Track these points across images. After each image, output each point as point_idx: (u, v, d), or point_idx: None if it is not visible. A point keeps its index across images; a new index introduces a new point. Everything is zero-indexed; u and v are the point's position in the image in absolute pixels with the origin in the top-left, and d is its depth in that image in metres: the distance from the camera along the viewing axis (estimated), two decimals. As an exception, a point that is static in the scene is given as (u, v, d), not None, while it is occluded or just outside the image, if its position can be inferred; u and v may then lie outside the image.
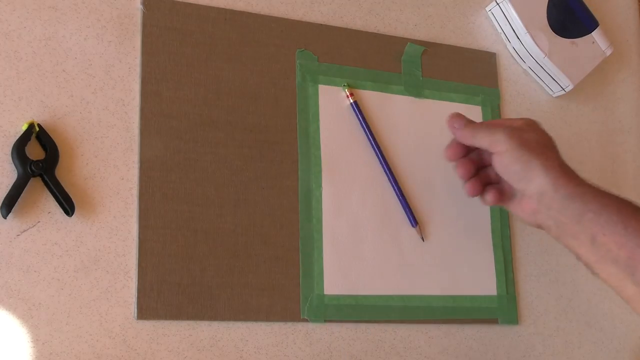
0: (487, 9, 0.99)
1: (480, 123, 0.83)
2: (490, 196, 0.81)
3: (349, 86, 0.87)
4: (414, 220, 0.86)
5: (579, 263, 0.75)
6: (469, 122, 0.82)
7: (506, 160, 0.77)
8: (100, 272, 0.73)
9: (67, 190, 0.72)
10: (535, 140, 0.78)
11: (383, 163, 0.87)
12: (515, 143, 0.76)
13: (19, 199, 0.71)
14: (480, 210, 0.91)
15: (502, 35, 0.99)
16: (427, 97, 0.93)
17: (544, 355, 0.92)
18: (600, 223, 0.72)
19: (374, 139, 0.87)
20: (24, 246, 0.71)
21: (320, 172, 0.85)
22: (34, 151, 0.73)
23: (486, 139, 0.78)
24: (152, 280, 0.75)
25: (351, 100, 0.87)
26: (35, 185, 0.72)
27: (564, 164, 0.77)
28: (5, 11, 0.75)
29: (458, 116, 0.82)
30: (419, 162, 0.90)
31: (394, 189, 0.87)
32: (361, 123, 0.87)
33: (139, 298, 0.74)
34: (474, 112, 0.95)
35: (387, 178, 0.87)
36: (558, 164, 0.77)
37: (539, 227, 0.78)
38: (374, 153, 0.87)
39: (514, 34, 0.97)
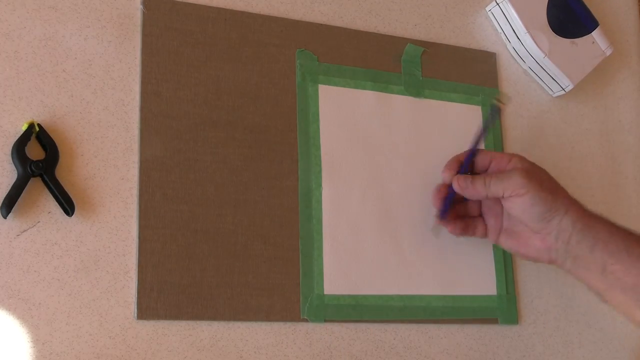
0: (487, 9, 0.99)
1: (480, 176, 0.83)
2: (479, 231, 0.86)
3: None
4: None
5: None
6: (474, 178, 0.83)
7: (527, 203, 0.78)
8: (100, 272, 0.73)
9: (67, 190, 0.72)
10: (547, 179, 0.80)
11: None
12: (535, 185, 0.78)
13: (19, 199, 0.71)
14: (480, 210, 0.92)
15: (502, 35, 0.99)
16: (427, 97, 0.93)
17: (544, 355, 0.92)
18: (608, 251, 0.75)
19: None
20: (24, 246, 0.71)
21: (320, 172, 0.85)
22: (34, 151, 0.73)
23: (501, 187, 0.79)
24: (152, 280, 0.75)
25: None
26: (35, 185, 0.72)
27: (573, 197, 0.80)
28: (5, 11, 0.75)
29: (461, 177, 0.83)
30: (419, 162, 0.90)
31: None
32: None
33: (139, 298, 0.74)
34: (474, 112, 0.95)
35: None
36: (572, 199, 0.79)
37: (551, 262, 0.80)
38: (373, 152, 0.87)
39: (514, 34, 0.97)
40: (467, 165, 0.85)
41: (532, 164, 0.81)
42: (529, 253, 0.82)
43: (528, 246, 0.81)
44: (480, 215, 0.86)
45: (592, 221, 0.77)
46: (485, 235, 0.86)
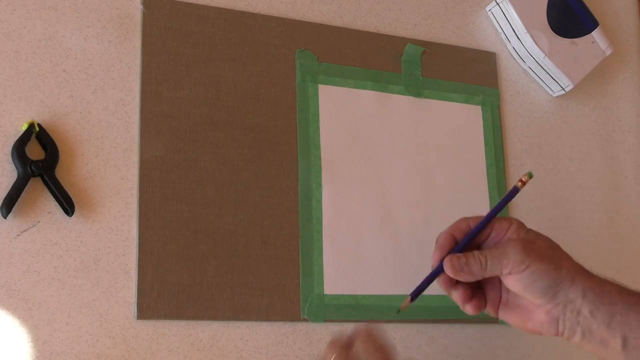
0: (487, 9, 0.99)
1: (474, 254, 0.73)
2: (474, 307, 0.75)
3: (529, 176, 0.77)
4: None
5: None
6: (467, 258, 0.74)
7: (528, 279, 0.71)
8: (100, 272, 0.73)
9: (67, 190, 0.72)
10: (548, 247, 0.73)
11: None
12: (534, 257, 0.71)
13: (19, 199, 0.71)
14: (480, 209, 0.91)
15: (502, 35, 0.99)
16: (427, 97, 0.93)
17: (544, 355, 0.92)
18: (629, 324, 0.69)
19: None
20: (24, 246, 0.71)
21: (320, 172, 0.85)
22: (34, 151, 0.73)
23: (498, 265, 0.72)
24: (152, 280, 0.75)
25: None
26: (35, 185, 0.72)
27: (578, 264, 0.73)
28: (5, 11, 0.75)
29: (454, 258, 0.74)
30: (419, 162, 0.90)
31: None
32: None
33: (139, 298, 0.74)
34: (474, 112, 0.95)
35: None
36: (577, 266, 0.72)
37: (557, 335, 0.73)
38: (373, 152, 0.87)
39: (514, 33, 0.97)
40: (466, 242, 0.75)
41: (529, 232, 0.74)
42: (533, 327, 0.74)
43: (531, 320, 0.73)
44: (479, 287, 0.76)
45: (604, 290, 0.70)
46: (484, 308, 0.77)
